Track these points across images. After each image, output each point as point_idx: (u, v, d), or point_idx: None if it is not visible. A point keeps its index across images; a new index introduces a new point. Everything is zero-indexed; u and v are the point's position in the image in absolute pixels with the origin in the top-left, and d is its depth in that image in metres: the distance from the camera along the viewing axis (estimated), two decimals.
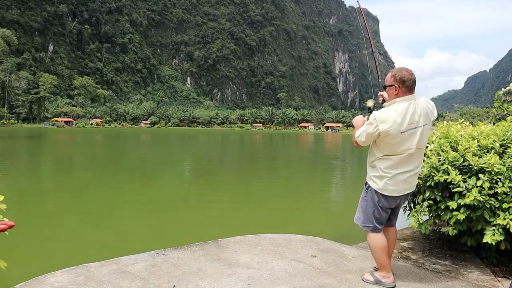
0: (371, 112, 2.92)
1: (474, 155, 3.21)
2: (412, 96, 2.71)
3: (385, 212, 2.89)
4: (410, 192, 2.88)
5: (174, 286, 2.76)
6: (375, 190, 2.82)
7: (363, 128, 2.77)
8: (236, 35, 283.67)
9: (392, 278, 2.94)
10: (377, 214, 2.86)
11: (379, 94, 3.03)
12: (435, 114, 2.79)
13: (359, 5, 3.52)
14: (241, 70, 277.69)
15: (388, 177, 2.74)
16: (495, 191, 3.00)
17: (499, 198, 3.00)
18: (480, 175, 3.05)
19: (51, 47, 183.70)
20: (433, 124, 3.15)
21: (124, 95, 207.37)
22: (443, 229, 3.36)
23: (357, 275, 3.13)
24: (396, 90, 2.71)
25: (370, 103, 3.00)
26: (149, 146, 31.27)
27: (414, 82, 2.71)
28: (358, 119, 2.96)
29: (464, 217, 3.04)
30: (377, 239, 2.90)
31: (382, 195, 2.80)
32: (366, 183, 2.93)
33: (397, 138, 2.65)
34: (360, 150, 33.31)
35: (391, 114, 2.66)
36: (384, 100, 2.95)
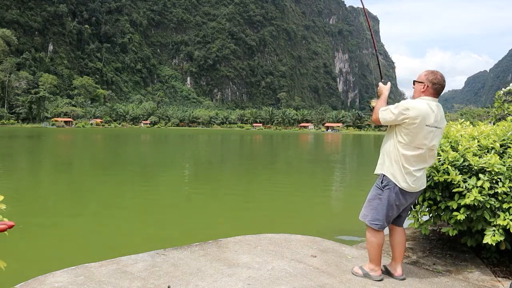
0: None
1: (474, 155, 3.21)
2: (436, 100, 2.88)
3: (398, 210, 2.94)
4: (423, 189, 2.98)
5: (169, 286, 2.75)
6: (394, 187, 2.82)
7: (392, 107, 2.82)
8: (236, 35, 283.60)
9: (380, 272, 3.02)
10: (390, 212, 2.90)
11: (378, 89, 3.07)
12: (445, 122, 2.98)
13: (363, 5, 3.55)
14: (241, 70, 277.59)
15: (412, 174, 2.80)
16: (495, 191, 2.99)
17: (499, 198, 2.99)
18: (480, 175, 3.05)
19: (51, 47, 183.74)
20: None
21: (124, 95, 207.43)
22: (443, 229, 3.36)
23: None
24: (424, 87, 2.84)
25: (374, 103, 3.05)
26: (149, 146, 31.28)
27: (442, 88, 2.86)
28: (385, 88, 3.01)
29: (464, 217, 3.03)
30: (379, 236, 2.97)
31: (403, 192, 2.82)
32: (383, 180, 2.88)
33: (421, 129, 2.74)
34: (360, 150, 33.28)
35: (423, 106, 2.78)
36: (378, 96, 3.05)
